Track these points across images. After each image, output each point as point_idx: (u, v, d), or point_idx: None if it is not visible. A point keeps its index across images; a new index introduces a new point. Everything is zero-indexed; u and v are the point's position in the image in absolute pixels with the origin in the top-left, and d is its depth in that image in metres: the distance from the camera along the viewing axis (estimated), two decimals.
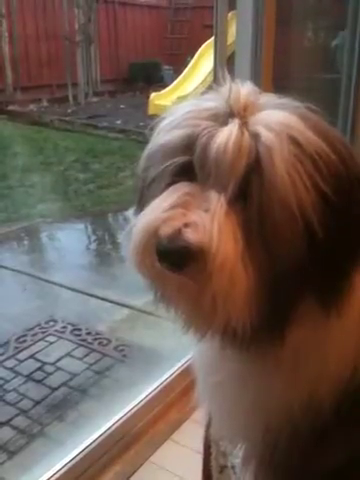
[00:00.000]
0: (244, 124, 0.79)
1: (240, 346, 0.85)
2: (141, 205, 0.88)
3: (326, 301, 0.83)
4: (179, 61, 11.58)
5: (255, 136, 0.77)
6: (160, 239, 0.76)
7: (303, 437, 0.95)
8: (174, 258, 0.75)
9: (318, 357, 0.91)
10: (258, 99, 0.85)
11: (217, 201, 0.77)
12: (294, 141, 0.76)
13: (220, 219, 0.75)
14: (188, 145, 0.80)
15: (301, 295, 0.82)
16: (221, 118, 0.81)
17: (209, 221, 0.75)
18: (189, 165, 0.81)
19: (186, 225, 0.75)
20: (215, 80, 1.96)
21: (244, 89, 0.86)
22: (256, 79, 1.83)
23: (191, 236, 0.74)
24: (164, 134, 0.85)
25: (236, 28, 1.86)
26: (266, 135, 0.76)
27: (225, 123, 0.80)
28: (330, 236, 0.78)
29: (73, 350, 2.89)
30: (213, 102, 0.84)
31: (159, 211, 0.78)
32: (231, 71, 1.90)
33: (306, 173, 0.76)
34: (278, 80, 1.93)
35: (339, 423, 0.94)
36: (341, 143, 0.81)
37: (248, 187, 0.77)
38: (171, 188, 0.81)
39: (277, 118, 0.79)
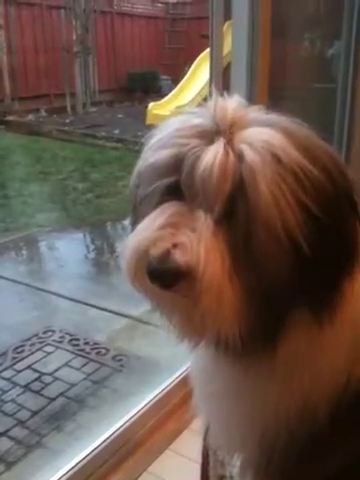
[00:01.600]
0: (229, 142, 0.79)
1: (233, 357, 0.86)
2: (134, 221, 0.91)
3: (318, 313, 0.83)
4: (177, 71, 11.64)
5: (239, 156, 0.78)
6: (150, 260, 0.78)
7: (299, 445, 0.95)
8: (164, 278, 0.78)
9: (312, 366, 0.91)
10: (245, 114, 0.84)
11: (204, 221, 0.78)
12: (277, 159, 0.77)
13: (207, 239, 0.76)
14: (175, 165, 0.81)
15: (291, 308, 0.83)
16: (208, 136, 0.81)
17: (196, 241, 0.76)
18: (177, 185, 0.82)
19: (174, 246, 0.77)
20: (211, 91, 1.98)
21: (231, 104, 0.86)
22: (252, 89, 1.85)
23: (179, 257, 0.76)
24: (153, 152, 0.86)
25: (232, 38, 1.87)
26: (250, 155, 0.77)
27: (212, 141, 0.80)
28: (318, 252, 0.78)
29: (71, 360, 2.88)
30: (200, 118, 0.85)
31: (148, 231, 0.80)
32: (227, 81, 1.91)
33: (289, 191, 0.76)
34: (274, 90, 1.94)
35: (335, 431, 0.94)
36: (329, 158, 0.81)
37: (234, 207, 0.78)
38: (160, 208, 0.83)
39: (261, 136, 0.79)
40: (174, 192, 0.82)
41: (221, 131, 0.81)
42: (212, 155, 0.78)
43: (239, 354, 0.85)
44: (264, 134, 0.79)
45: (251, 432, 1.00)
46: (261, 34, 1.80)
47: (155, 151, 0.86)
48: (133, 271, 0.83)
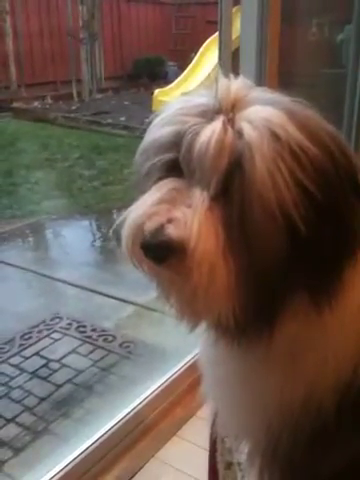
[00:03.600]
0: (230, 121, 0.79)
1: (231, 340, 0.86)
2: (136, 197, 0.91)
3: (317, 298, 0.82)
4: (183, 57, 11.56)
5: (239, 133, 0.78)
6: (144, 234, 0.79)
7: (305, 435, 0.95)
8: (156, 251, 0.78)
9: (315, 356, 0.89)
10: (248, 94, 0.84)
11: (200, 197, 0.78)
12: (276, 137, 0.76)
13: (201, 215, 0.77)
14: (176, 142, 0.82)
15: (289, 291, 0.81)
16: (209, 114, 0.81)
17: (190, 217, 0.77)
18: (177, 161, 0.82)
19: (169, 220, 0.78)
20: (220, 75, 1.96)
21: (235, 84, 0.86)
22: (261, 74, 1.83)
23: (172, 231, 0.77)
24: (155, 130, 0.87)
25: (241, 23, 1.85)
26: (248, 132, 0.77)
27: (212, 119, 0.80)
28: (316, 232, 0.77)
29: (78, 347, 2.89)
30: (204, 98, 0.85)
31: (145, 206, 0.81)
32: (236, 66, 1.89)
33: (287, 169, 0.75)
34: (283, 75, 1.92)
35: (341, 425, 0.93)
36: (331, 139, 0.80)
37: (230, 184, 0.78)
38: (159, 183, 0.84)
39: (261, 114, 0.78)
40: (173, 169, 0.83)
41: (223, 110, 0.81)
42: (210, 132, 0.78)
43: (236, 337, 0.85)
44: (265, 112, 0.79)
45: (257, 420, 1.00)
46: (271, 19, 1.78)
47: (157, 129, 0.86)
48: (130, 245, 0.83)
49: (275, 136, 0.76)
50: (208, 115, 0.81)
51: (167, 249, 0.77)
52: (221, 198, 0.78)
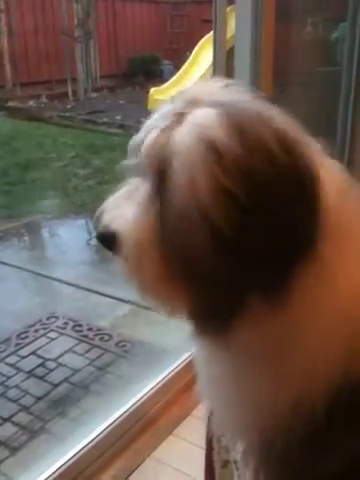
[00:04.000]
0: (175, 123, 0.81)
1: (198, 335, 0.88)
2: None
3: (269, 298, 0.81)
4: (178, 56, 11.57)
5: (170, 137, 0.80)
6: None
7: (298, 439, 0.94)
8: (102, 241, 0.89)
9: (299, 357, 0.89)
10: (205, 95, 0.84)
11: (143, 194, 0.84)
12: (202, 140, 0.77)
13: (137, 210, 0.84)
14: (139, 147, 0.87)
15: (240, 291, 0.81)
16: (169, 119, 0.83)
17: (130, 211, 0.85)
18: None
19: (118, 215, 0.87)
20: (215, 73, 1.96)
21: (207, 86, 0.88)
22: (256, 73, 1.83)
23: (113, 225, 0.86)
24: (136, 135, 0.92)
25: (235, 22, 1.85)
26: (176, 136, 0.79)
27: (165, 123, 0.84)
28: (247, 234, 0.76)
29: (74, 346, 2.89)
30: (179, 102, 0.86)
31: (107, 203, 0.91)
32: (230, 65, 1.90)
33: (208, 172, 0.75)
34: (278, 73, 1.92)
35: (333, 428, 0.92)
36: (275, 140, 0.77)
37: (164, 184, 0.80)
38: (125, 182, 0.92)
39: (196, 117, 0.80)
40: (138, 171, 0.89)
41: (177, 113, 0.83)
42: (150, 136, 0.83)
43: (198, 334, 0.87)
44: (201, 115, 0.79)
45: (250, 421, 0.99)
46: (265, 18, 1.78)
47: (139, 133, 0.91)
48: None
49: (201, 139, 0.76)
50: (168, 119, 0.83)
51: (109, 240, 0.86)
52: (158, 196, 0.82)
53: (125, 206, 0.87)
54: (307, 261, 0.80)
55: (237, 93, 0.87)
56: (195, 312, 0.85)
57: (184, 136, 0.78)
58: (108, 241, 0.87)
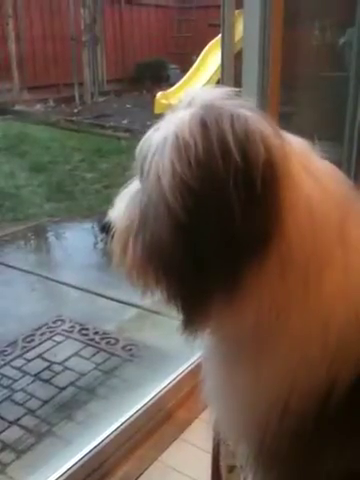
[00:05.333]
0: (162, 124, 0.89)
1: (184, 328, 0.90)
2: None
3: (225, 288, 0.83)
4: (185, 60, 11.57)
5: (154, 135, 0.88)
6: None
7: (290, 444, 0.94)
8: (100, 229, 0.99)
9: (277, 358, 0.88)
10: (197, 99, 0.88)
11: (133, 187, 0.94)
12: (172, 137, 0.83)
13: (126, 201, 0.94)
14: None
15: (206, 284, 0.83)
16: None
17: (123, 204, 0.94)
18: None
19: (117, 207, 0.97)
20: (222, 78, 1.96)
21: (207, 92, 0.90)
22: (264, 77, 1.83)
23: (110, 215, 0.97)
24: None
25: (243, 26, 1.85)
26: (156, 134, 0.87)
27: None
28: (199, 222, 0.80)
29: (81, 350, 2.89)
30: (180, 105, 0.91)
31: (117, 197, 0.99)
32: (238, 69, 1.90)
33: (170, 163, 0.81)
34: (286, 78, 1.92)
35: (323, 436, 0.92)
36: (234, 139, 0.79)
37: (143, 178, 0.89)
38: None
39: (175, 116, 0.86)
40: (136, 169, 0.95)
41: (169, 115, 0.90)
42: (144, 137, 0.91)
43: (182, 321, 0.89)
44: (179, 114, 0.86)
45: (247, 422, 1.00)
46: (273, 21, 1.78)
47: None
48: None
49: (168, 136, 0.83)
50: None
51: (106, 228, 0.97)
52: (142, 189, 0.90)
53: (123, 200, 0.95)
54: (263, 257, 0.81)
55: (230, 96, 0.89)
56: (169, 298, 0.89)
57: (159, 136, 0.86)
58: (105, 229, 0.97)
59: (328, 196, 0.85)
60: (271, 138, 0.82)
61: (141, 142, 0.90)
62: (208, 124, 0.81)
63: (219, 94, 0.89)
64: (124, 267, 0.93)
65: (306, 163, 0.87)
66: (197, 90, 0.92)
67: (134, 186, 0.95)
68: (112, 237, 0.95)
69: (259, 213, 0.80)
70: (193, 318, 0.87)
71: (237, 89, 0.92)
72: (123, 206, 0.94)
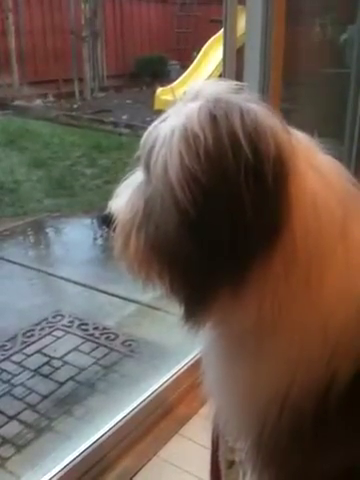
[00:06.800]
0: (167, 117, 0.88)
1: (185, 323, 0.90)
2: None
3: (232, 284, 0.82)
4: (185, 56, 11.56)
5: (159, 128, 0.87)
6: None
7: (289, 440, 0.94)
8: (102, 220, 0.99)
9: (277, 353, 0.89)
10: (205, 91, 0.87)
11: (137, 181, 0.93)
12: (180, 129, 0.82)
13: (130, 195, 0.92)
14: None
15: (210, 278, 0.83)
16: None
17: (125, 197, 0.94)
18: None
19: (118, 200, 0.97)
20: (224, 73, 1.96)
21: (212, 85, 0.90)
22: (266, 73, 1.83)
23: (112, 207, 0.97)
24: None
25: (245, 22, 1.85)
26: (163, 127, 0.86)
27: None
28: (207, 216, 0.79)
29: (80, 345, 2.90)
30: (184, 98, 0.91)
31: (117, 189, 0.99)
32: (240, 65, 1.89)
33: (178, 156, 0.80)
34: (287, 74, 1.92)
35: (322, 434, 0.91)
36: (243, 133, 0.79)
37: (150, 167, 0.87)
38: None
39: (183, 109, 0.85)
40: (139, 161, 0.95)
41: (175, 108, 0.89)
42: (148, 129, 0.90)
43: (184, 319, 0.89)
44: (187, 107, 0.85)
45: (244, 419, 1.00)
46: (275, 18, 1.78)
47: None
48: None
49: (177, 129, 0.82)
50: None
51: (107, 220, 0.96)
52: (146, 181, 0.89)
53: (125, 192, 0.95)
54: (270, 252, 0.81)
55: (235, 90, 0.88)
56: (172, 292, 0.89)
57: (166, 127, 0.84)
58: (106, 221, 0.96)
59: (332, 192, 0.85)
60: (280, 133, 0.82)
61: (146, 133, 0.89)
62: (218, 117, 0.80)
63: (225, 87, 0.89)
64: (126, 260, 0.93)
65: (312, 159, 0.87)
66: (203, 83, 0.91)
67: (136, 178, 0.94)
68: (114, 229, 0.94)
69: (268, 208, 0.80)
70: (195, 312, 0.87)
71: (241, 83, 0.92)
72: (125, 198, 0.93)
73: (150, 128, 0.89)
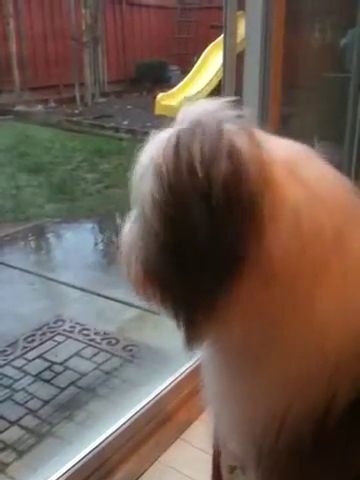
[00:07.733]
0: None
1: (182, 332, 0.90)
2: None
3: (211, 305, 0.83)
4: (186, 61, 11.60)
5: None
6: None
7: (289, 458, 0.93)
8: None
9: (271, 371, 0.87)
10: (188, 115, 0.86)
11: None
12: (152, 161, 0.83)
13: (132, 219, 0.94)
14: None
15: (187, 296, 0.84)
16: None
17: (130, 219, 0.96)
18: None
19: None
20: (224, 79, 1.96)
21: (203, 104, 0.88)
22: (265, 78, 1.83)
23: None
24: None
25: (245, 27, 1.85)
26: (143, 156, 0.88)
27: None
28: (179, 245, 0.81)
29: (81, 350, 2.89)
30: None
31: None
32: (239, 70, 1.90)
33: (148, 186, 0.83)
34: (287, 79, 1.92)
35: (319, 458, 0.91)
36: (202, 163, 0.78)
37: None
38: None
39: (159, 136, 0.87)
40: None
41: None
42: None
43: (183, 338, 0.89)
44: (163, 134, 0.86)
45: (242, 436, 0.99)
46: (275, 22, 1.79)
47: None
48: None
49: (149, 161, 0.84)
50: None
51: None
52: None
53: (132, 216, 0.96)
54: (243, 274, 0.79)
55: (223, 110, 0.85)
56: (168, 313, 0.90)
57: (143, 158, 0.87)
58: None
59: (321, 203, 0.82)
60: (243, 150, 0.79)
61: (135, 165, 0.91)
62: (180, 148, 0.80)
63: (212, 108, 0.86)
64: (130, 282, 0.96)
65: (295, 170, 0.83)
66: (191, 106, 0.89)
67: None
68: (121, 253, 0.97)
69: (227, 229, 0.78)
70: (188, 331, 0.87)
71: (236, 98, 0.90)
72: (129, 223, 0.96)
73: (138, 159, 0.90)
